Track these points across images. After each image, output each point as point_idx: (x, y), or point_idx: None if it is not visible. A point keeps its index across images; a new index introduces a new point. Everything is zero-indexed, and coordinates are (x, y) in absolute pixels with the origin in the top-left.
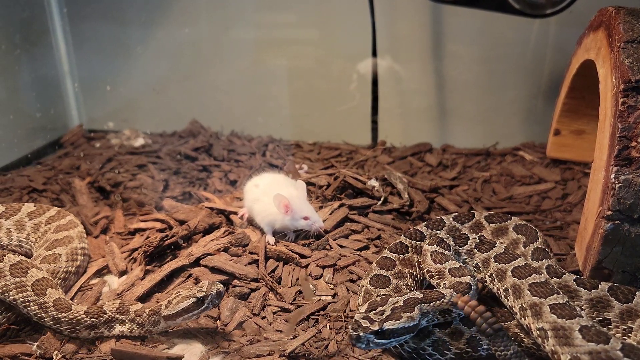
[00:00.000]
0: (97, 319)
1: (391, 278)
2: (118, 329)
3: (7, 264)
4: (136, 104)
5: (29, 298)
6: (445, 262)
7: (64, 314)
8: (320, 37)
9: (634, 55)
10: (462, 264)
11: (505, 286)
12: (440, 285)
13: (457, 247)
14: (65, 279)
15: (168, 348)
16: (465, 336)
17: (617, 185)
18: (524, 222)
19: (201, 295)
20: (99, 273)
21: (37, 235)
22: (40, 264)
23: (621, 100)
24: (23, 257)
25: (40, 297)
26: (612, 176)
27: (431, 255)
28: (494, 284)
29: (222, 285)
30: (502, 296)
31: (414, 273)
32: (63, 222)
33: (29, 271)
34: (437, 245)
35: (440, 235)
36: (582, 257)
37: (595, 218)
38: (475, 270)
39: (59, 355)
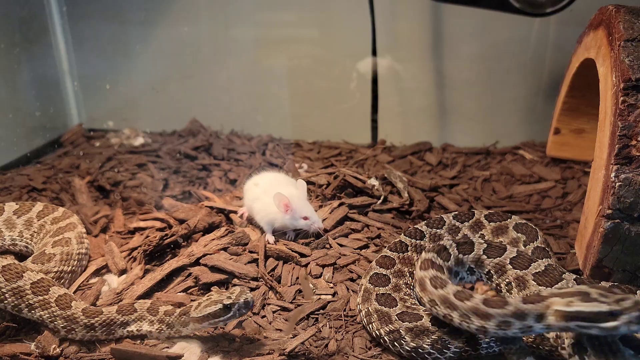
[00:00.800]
0: (129, 316)
1: (390, 277)
2: (146, 328)
3: (27, 282)
4: (136, 103)
5: (55, 313)
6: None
7: (96, 319)
8: (320, 36)
9: (634, 54)
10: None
11: (527, 294)
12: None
13: (461, 255)
14: (80, 259)
15: (168, 347)
16: (465, 334)
17: (617, 184)
18: (524, 221)
19: (228, 302)
20: (98, 272)
21: (33, 231)
22: (52, 248)
23: (621, 98)
24: (43, 275)
25: (67, 310)
26: (612, 175)
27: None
28: (511, 293)
29: (251, 295)
30: None
31: (414, 272)
32: (58, 214)
33: (50, 289)
34: (435, 254)
35: (442, 243)
36: (582, 256)
37: (595, 217)
38: (486, 279)
39: (57, 349)
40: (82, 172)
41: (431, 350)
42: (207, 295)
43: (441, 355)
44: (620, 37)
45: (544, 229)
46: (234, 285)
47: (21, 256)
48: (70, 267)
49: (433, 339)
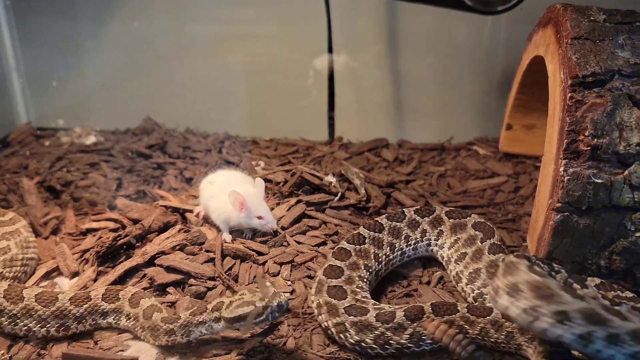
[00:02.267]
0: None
1: (345, 269)
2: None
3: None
4: (88, 100)
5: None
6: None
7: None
8: (277, 32)
9: (581, 52)
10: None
11: None
12: None
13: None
14: (23, 265)
15: (122, 350)
16: (408, 331)
17: (566, 178)
18: (482, 220)
19: (261, 304)
20: (49, 275)
21: None
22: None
23: (569, 95)
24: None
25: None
26: (561, 169)
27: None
28: None
29: (285, 297)
30: None
31: (369, 264)
32: (4, 219)
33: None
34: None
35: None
36: (534, 248)
37: (545, 210)
38: None
39: (5, 355)
40: (31, 173)
41: (374, 345)
42: (239, 293)
43: (383, 351)
44: (568, 35)
45: (497, 223)
46: (191, 285)
47: None
48: (11, 274)
49: (376, 335)
